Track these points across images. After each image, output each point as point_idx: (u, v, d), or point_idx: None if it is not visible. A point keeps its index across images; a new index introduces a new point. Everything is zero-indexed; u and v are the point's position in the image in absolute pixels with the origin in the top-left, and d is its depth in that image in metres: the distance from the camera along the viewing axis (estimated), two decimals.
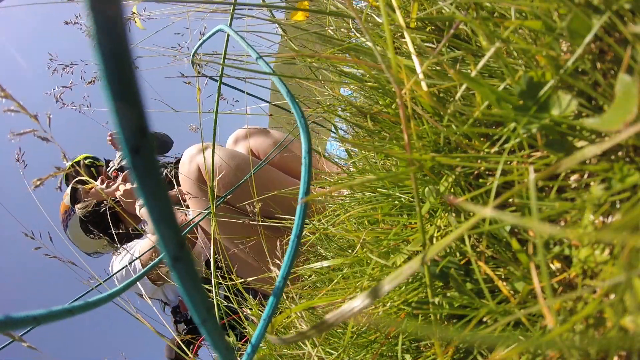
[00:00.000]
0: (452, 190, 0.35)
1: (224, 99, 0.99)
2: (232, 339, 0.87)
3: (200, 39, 0.71)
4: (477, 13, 0.30)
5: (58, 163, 0.52)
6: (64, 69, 0.97)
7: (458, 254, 0.35)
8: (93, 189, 1.50)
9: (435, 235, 0.36)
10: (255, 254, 1.08)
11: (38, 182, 0.49)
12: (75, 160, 1.69)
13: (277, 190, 0.97)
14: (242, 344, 0.87)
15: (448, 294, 0.33)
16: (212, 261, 0.75)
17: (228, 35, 0.56)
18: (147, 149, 0.13)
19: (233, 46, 0.66)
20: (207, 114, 0.82)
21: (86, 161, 1.72)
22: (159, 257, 0.60)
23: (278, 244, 0.87)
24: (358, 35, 0.54)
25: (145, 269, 0.57)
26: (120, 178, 1.50)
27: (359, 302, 0.21)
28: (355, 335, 0.45)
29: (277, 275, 0.68)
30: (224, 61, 0.62)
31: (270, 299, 0.33)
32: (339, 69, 0.54)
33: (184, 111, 0.99)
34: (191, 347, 1.18)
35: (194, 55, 0.75)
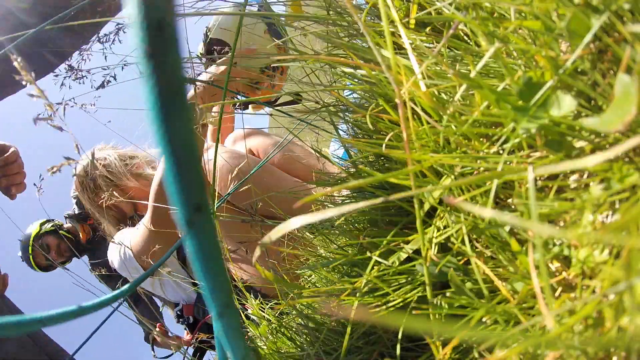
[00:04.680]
0: (451, 190, 0.35)
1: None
2: None
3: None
4: (476, 13, 0.30)
5: (67, 156, 0.51)
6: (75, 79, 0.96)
7: (457, 254, 0.35)
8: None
9: (434, 235, 0.36)
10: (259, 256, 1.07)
11: (53, 170, 0.48)
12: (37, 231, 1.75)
13: (280, 189, 0.96)
14: None
15: (447, 294, 0.33)
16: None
17: (235, 41, 0.55)
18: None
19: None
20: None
21: (49, 226, 1.77)
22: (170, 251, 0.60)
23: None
24: (358, 35, 0.54)
25: (157, 263, 0.56)
26: None
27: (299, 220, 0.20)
28: (355, 337, 0.45)
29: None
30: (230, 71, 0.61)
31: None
32: (339, 69, 0.54)
33: None
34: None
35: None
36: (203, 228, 0.14)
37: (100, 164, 1.39)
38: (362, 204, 0.22)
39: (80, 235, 1.78)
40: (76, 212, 1.77)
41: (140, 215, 1.44)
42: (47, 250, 1.74)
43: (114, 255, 1.29)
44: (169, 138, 0.12)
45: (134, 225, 1.38)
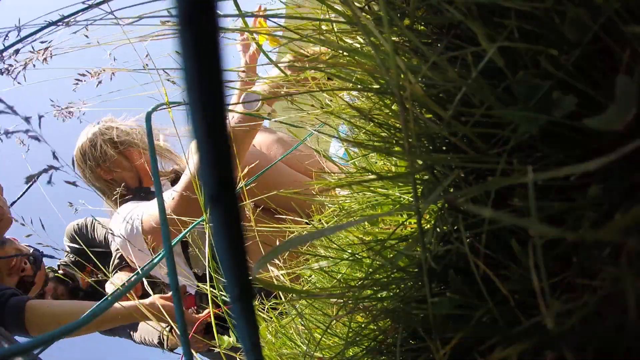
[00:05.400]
0: (451, 190, 0.35)
1: None
2: (232, 338, 0.86)
3: None
4: (476, 13, 0.30)
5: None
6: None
7: (457, 254, 0.35)
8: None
9: (433, 236, 0.36)
10: (256, 251, 1.08)
11: (33, 179, 0.48)
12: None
13: (285, 185, 0.96)
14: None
15: (447, 294, 0.33)
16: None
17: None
18: None
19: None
20: None
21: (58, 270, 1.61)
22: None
23: (277, 242, 0.87)
24: (358, 39, 0.54)
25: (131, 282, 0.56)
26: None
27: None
28: (355, 336, 0.45)
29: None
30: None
31: None
32: (339, 72, 0.54)
33: None
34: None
35: None
36: (228, 203, 0.14)
37: (109, 130, 1.34)
38: (362, 220, 0.22)
39: (80, 282, 1.60)
40: (72, 259, 1.61)
41: (145, 189, 1.40)
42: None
43: (117, 227, 1.20)
44: (201, 109, 0.12)
45: (137, 198, 1.32)
